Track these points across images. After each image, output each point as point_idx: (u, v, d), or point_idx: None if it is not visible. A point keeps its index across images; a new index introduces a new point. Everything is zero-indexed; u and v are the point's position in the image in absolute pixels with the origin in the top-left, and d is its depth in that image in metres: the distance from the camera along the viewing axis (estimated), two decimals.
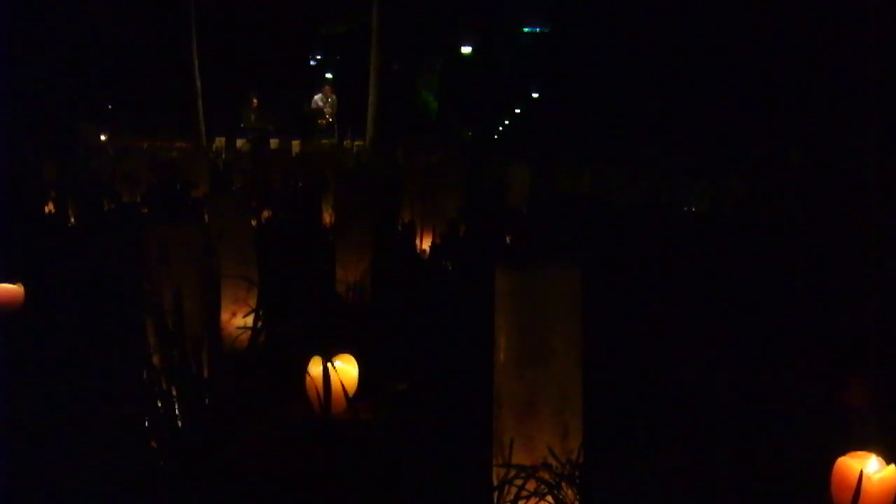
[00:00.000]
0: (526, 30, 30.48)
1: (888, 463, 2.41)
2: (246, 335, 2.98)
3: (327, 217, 7.28)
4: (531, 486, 2.22)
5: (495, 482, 2.27)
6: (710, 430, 2.85)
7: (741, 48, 19.10)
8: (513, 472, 2.23)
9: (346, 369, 3.16)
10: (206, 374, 2.72)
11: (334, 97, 18.59)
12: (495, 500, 2.25)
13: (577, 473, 2.23)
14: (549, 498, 2.22)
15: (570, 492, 2.22)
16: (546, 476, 2.22)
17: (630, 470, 2.44)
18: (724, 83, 19.43)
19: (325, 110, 18.50)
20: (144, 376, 2.69)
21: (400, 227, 6.56)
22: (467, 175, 8.68)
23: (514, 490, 2.22)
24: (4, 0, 12.35)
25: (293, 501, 2.51)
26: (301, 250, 5.68)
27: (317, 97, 18.77)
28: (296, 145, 16.45)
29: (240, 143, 17.25)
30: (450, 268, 5.45)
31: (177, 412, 2.62)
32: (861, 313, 3.99)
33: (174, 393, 2.63)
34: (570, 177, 11.59)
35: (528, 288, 2.25)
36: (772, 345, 3.73)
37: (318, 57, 29.35)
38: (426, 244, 6.04)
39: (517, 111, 31.62)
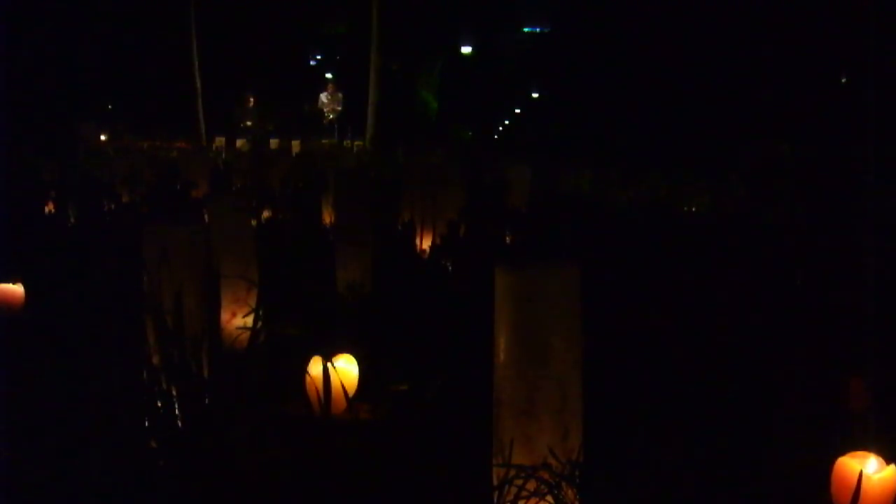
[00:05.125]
0: (526, 30, 30.49)
1: (888, 463, 2.41)
2: (246, 335, 2.98)
3: (327, 217, 7.27)
4: (531, 486, 2.22)
5: (495, 482, 2.27)
6: (710, 430, 2.85)
7: (741, 48, 19.09)
8: (513, 472, 2.23)
9: (346, 369, 3.16)
10: (206, 374, 2.72)
11: (340, 94, 18.65)
12: (495, 500, 2.25)
13: (577, 473, 2.23)
14: (549, 498, 2.22)
15: (570, 492, 2.22)
16: (546, 476, 2.22)
17: (630, 470, 2.44)
18: (725, 83, 19.43)
19: (326, 108, 18.55)
20: (144, 376, 2.69)
21: (400, 227, 6.56)
22: (467, 175, 8.68)
23: (514, 490, 2.22)
24: (4, 0, 12.35)
25: (293, 502, 2.51)
26: (301, 250, 5.68)
27: (322, 95, 18.82)
28: (296, 145, 16.46)
29: (240, 143, 17.28)
30: (450, 268, 5.45)
31: (177, 412, 2.62)
32: (861, 313, 3.98)
33: (174, 393, 2.63)
34: (570, 177, 11.59)
35: (527, 288, 2.25)
36: (771, 345, 3.73)
37: (318, 57, 29.37)
38: (426, 244, 6.04)
39: (517, 111, 31.62)
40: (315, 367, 3.04)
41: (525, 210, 7.31)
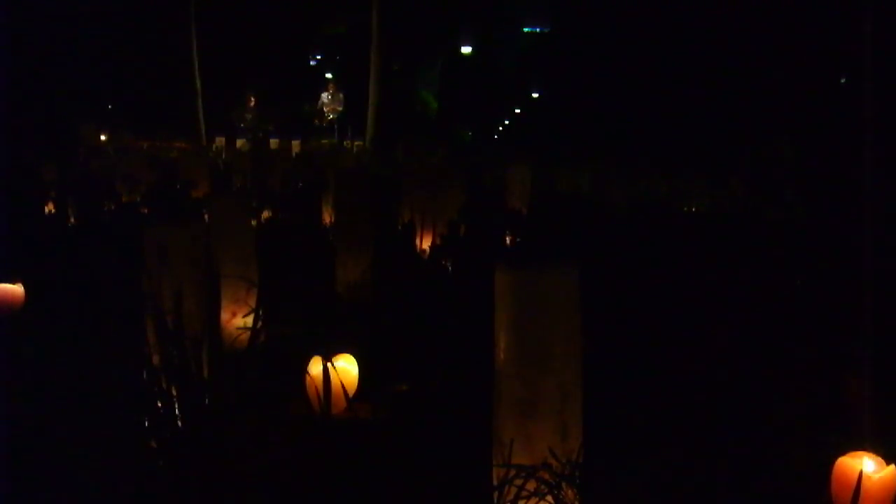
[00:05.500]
0: (526, 30, 30.50)
1: (888, 463, 2.41)
2: (246, 335, 2.98)
3: (327, 217, 7.28)
4: (531, 486, 2.22)
5: (495, 482, 2.27)
6: (710, 430, 2.85)
7: (741, 47, 19.10)
8: (513, 472, 2.23)
9: (346, 369, 3.16)
10: (206, 374, 2.72)
11: (341, 94, 18.71)
12: (495, 500, 2.25)
13: (577, 473, 2.23)
14: (549, 498, 2.22)
15: (570, 492, 2.22)
16: (546, 476, 2.22)
17: (630, 470, 2.44)
18: (724, 82, 19.43)
19: (326, 108, 18.59)
20: (144, 376, 2.69)
21: (400, 227, 6.56)
22: (467, 175, 8.68)
23: (514, 490, 2.22)
24: (4, 0, 12.35)
25: (293, 501, 2.51)
26: (301, 250, 5.68)
27: (323, 95, 18.87)
28: (296, 145, 16.47)
29: (240, 143, 17.29)
30: (450, 268, 5.45)
31: (177, 412, 2.62)
32: (861, 313, 3.98)
33: (174, 393, 2.63)
34: (570, 177, 11.59)
35: (527, 288, 2.25)
36: (772, 344, 3.73)
37: (318, 57, 29.37)
38: (426, 244, 6.04)
39: (517, 111, 31.62)
40: (315, 367, 3.04)
41: (525, 210, 7.31)
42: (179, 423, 2.60)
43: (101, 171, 9.86)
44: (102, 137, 17.26)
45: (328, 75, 24.96)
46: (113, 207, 7.68)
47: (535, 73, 29.67)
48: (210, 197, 6.23)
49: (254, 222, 5.86)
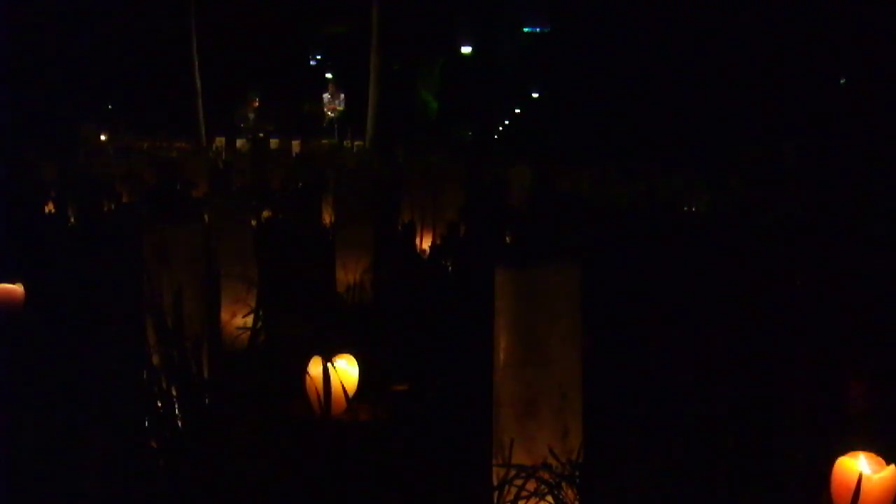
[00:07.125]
0: (526, 30, 30.52)
1: (888, 463, 2.41)
2: (246, 335, 2.98)
3: (327, 217, 7.28)
4: (531, 486, 2.22)
5: (495, 482, 2.27)
6: (710, 431, 2.85)
7: (741, 47, 19.10)
8: (513, 472, 2.23)
9: (346, 369, 3.16)
10: (206, 374, 2.72)
11: (341, 95, 18.80)
12: (495, 500, 2.25)
13: (577, 473, 2.23)
14: (549, 498, 2.22)
15: (570, 492, 2.22)
16: (546, 476, 2.22)
17: (630, 470, 2.44)
18: (724, 82, 19.44)
19: (327, 108, 18.67)
20: (144, 376, 2.69)
21: (400, 227, 6.56)
22: (467, 175, 8.68)
23: (514, 490, 2.22)
24: (5, 1, 12.36)
25: (293, 502, 2.51)
26: (301, 250, 5.68)
27: (324, 95, 18.95)
28: (296, 145, 16.49)
29: (240, 143, 17.31)
30: (450, 268, 5.45)
31: (177, 412, 2.62)
32: (861, 313, 3.98)
33: (174, 393, 2.63)
34: (570, 177, 11.60)
35: (527, 287, 2.25)
36: (772, 345, 3.73)
37: (318, 57, 29.38)
38: (426, 244, 6.04)
39: (517, 111, 31.62)
40: (315, 367, 3.04)
41: (525, 210, 7.31)
42: (179, 423, 2.60)
43: (101, 171, 9.86)
44: (102, 137, 17.28)
45: (328, 75, 24.95)
46: (113, 207, 7.68)
47: (535, 73, 29.68)
48: (210, 197, 6.23)
49: (254, 222, 5.86)
